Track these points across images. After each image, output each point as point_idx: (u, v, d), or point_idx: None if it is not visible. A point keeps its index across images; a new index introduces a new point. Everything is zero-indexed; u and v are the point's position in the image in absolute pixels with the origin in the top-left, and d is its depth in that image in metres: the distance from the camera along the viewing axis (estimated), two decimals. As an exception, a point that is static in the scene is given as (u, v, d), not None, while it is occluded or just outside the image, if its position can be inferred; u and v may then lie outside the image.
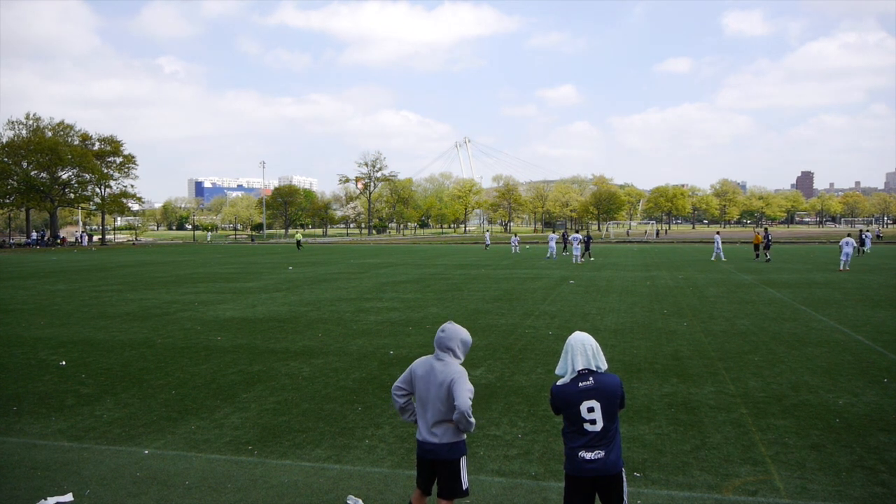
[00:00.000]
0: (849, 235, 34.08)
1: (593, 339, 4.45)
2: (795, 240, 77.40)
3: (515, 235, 57.45)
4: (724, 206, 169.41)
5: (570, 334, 4.54)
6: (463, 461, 4.76)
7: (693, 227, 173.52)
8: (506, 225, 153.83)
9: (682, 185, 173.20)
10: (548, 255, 41.93)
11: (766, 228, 45.57)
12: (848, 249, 30.82)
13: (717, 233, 48.41)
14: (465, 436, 4.77)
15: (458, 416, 4.55)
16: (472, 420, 4.58)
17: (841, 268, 30.35)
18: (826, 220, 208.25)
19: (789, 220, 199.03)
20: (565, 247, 48.16)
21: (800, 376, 10.17)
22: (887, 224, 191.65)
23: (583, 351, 4.36)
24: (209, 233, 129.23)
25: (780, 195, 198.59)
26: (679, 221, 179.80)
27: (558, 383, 4.41)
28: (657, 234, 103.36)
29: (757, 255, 39.31)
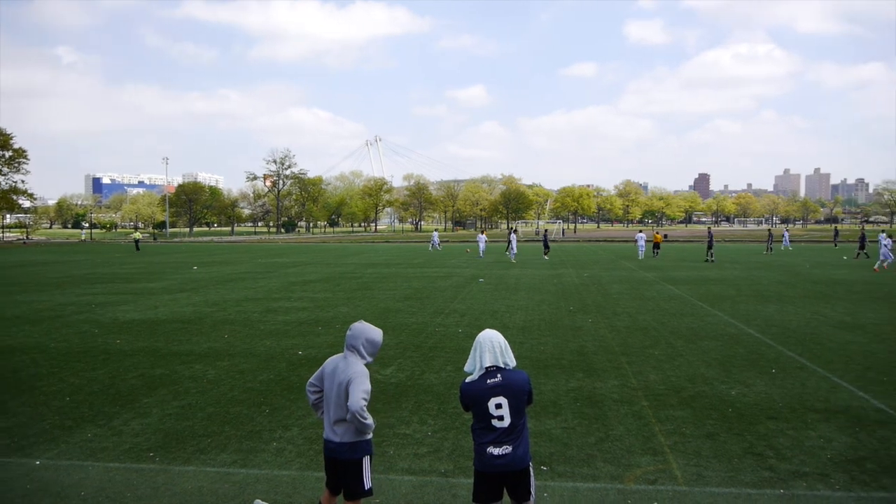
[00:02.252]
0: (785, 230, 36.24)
1: (502, 337, 4.51)
2: (693, 239, 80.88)
3: (435, 231, 57.73)
4: (628, 206, 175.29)
5: (479, 332, 4.59)
6: (366, 461, 4.74)
7: (598, 227, 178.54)
8: (416, 224, 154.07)
9: (588, 186, 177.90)
10: (507, 252, 40.76)
11: (709, 228, 46.32)
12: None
13: (640, 231, 49.77)
14: (369, 436, 4.76)
15: (351, 416, 4.55)
16: (367, 421, 4.57)
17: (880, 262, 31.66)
18: (721, 220, 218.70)
19: (688, 220, 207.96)
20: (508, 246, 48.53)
21: (696, 369, 10.64)
22: (775, 223, 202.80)
23: (491, 348, 4.42)
24: (83, 230, 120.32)
25: (679, 196, 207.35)
26: (585, 221, 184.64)
27: (467, 380, 4.47)
28: (563, 232, 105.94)
29: (655, 254, 41.09)
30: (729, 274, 28.59)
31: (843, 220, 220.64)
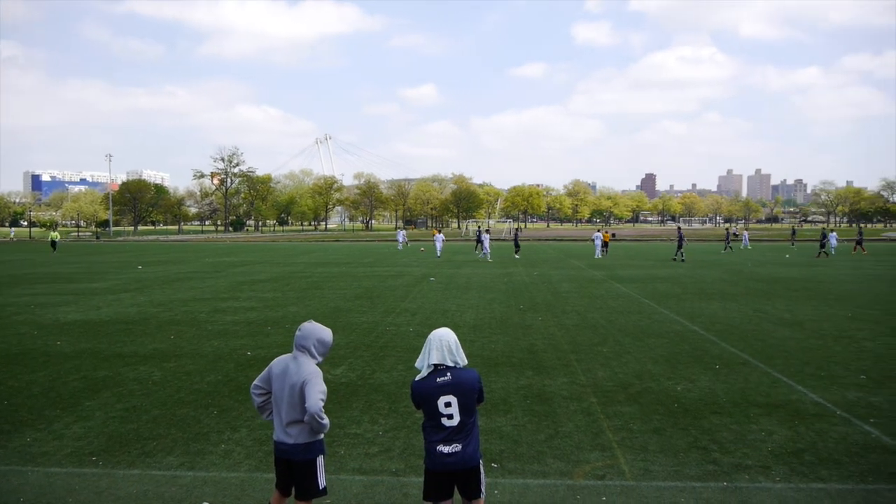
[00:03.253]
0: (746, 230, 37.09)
1: (453, 335, 4.53)
2: (640, 238, 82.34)
3: (402, 230, 57.71)
4: (577, 205, 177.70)
5: (430, 331, 4.60)
6: (319, 461, 4.71)
7: (548, 226, 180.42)
8: (367, 222, 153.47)
9: (538, 185, 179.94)
10: (483, 252, 39.79)
11: (679, 228, 46.13)
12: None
13: (598, 231, 50.11)
14: (321, 436, 4.73)
15: (309, 418, 4.51)
16: (324, 421, 4.54)
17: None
18: (667, 220, 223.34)
19: (635, 220, 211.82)
20: (477, 245, 48.45)
21: (643, 365, 10.85)
22: (719, 223, 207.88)
23: (439, 346, 4.43)
24: (12, 229, 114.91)
25: (626, 196, 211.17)
26: (535, 220, 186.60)
27: (417, 378, 4.47)
28: (510, 231, 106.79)
29: (605, 252, 41.75)
30: (675, 272, 29.21)
31: (782, 219, 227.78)
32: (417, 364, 4.52)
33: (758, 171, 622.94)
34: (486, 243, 39.21)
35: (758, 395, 9.08)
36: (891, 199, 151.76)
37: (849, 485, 6.13)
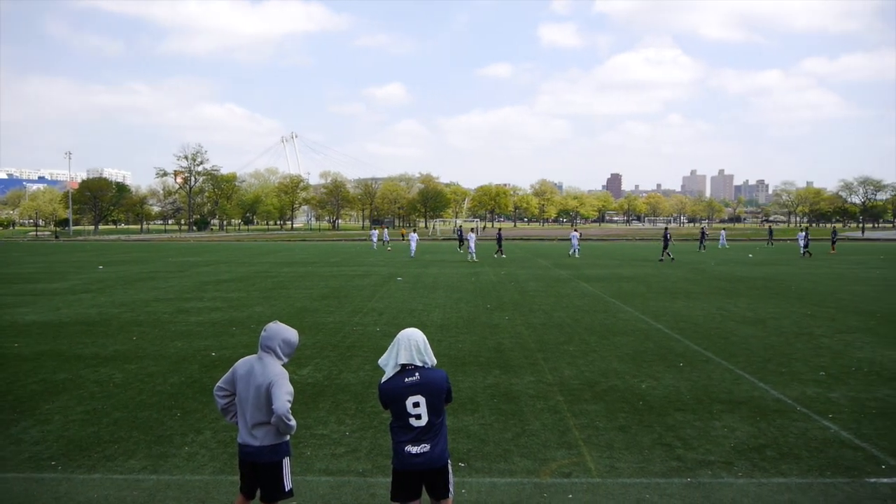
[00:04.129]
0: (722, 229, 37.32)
1: (422, 335, 4.51)
2: (606, 237, 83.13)
3: (373, 229, 57.50)
4: (543, 205, 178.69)
5: (397, 331, 4.58)
6: (285, 463, 4.67)
7: (515, 225, 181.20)
8: (334, 222, 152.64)
9: (505, 185, 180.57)
10: (469, 252, 39.10)
11: (666, 228, 46.34)
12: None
13: (575, 229, 50.11)
14: (287, 437, 4.68)
15: (276, 420, 4.46)
16: (292, 423, 4.50)
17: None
18: (633, 219, 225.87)
19: (601, 219, 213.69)
20: (460, 244, 48.25)
21: (609, 364, 10.95)
22: (683, 223, 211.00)
23: (407, 346, 4.41)
24: None
25: (592, 195, 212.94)
26: (502, 219, 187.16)
27: (383, 378, 4.45)
28: (478, 231, 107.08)
29: (576, 251, 42.13)
30: (640, 271, 29.54)
31: (744, 219, 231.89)
32: (381, 362, 4.49)
33: (721, 171, 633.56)
34: (472, 243, 38.60)
35: (721, 392, 9.22)
36: (849, 200, 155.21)
37: (808, 479, 6.25)
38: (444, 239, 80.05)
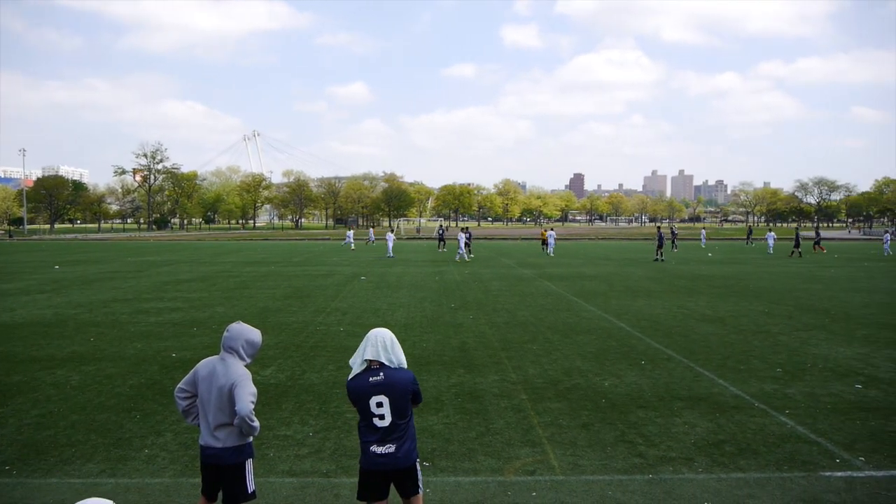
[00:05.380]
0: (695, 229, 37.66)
1: (391, 333, 4.50)
2: (569, 237, 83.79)
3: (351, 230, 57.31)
4: (507, 204, 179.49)
5: (361, 330, 4.57)
6: (248, 464, 4.62)
7: (479, 225, 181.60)
8: (297, 221, 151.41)
9: (469, 184, 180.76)
10: (458, 252, 38.15)
11: (659, 228, 45.67)
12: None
13: (552, 229, 50.24)
14: (250, 438, 4.63)
15: (239, 421, 4.41)
16: (255, 424, 4.45)
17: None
18: (595, 219, 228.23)
19: (564, 219, 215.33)
20: (442, 244, 47.83)
21: (572, 362, 11.04)
22: (645, 222, 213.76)
23: (374, 343, 4.40)
24: None
25: (555, 195, 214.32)
26: (466, 219, 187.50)
27: (350, 376, 4.44)
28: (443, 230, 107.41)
29: (543, 249, 42.69)
30: (602, 270, 29.85)
31: (704, 218, 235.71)
32: (351, 360, 4.49)
33: (681, 171, 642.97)
34: (462, 242, 37.23)
35: (681, 389, 9.36)
36: (804, 200, 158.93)
37: (766, 473, 6.38)
38: (407, 238, 79.91)
